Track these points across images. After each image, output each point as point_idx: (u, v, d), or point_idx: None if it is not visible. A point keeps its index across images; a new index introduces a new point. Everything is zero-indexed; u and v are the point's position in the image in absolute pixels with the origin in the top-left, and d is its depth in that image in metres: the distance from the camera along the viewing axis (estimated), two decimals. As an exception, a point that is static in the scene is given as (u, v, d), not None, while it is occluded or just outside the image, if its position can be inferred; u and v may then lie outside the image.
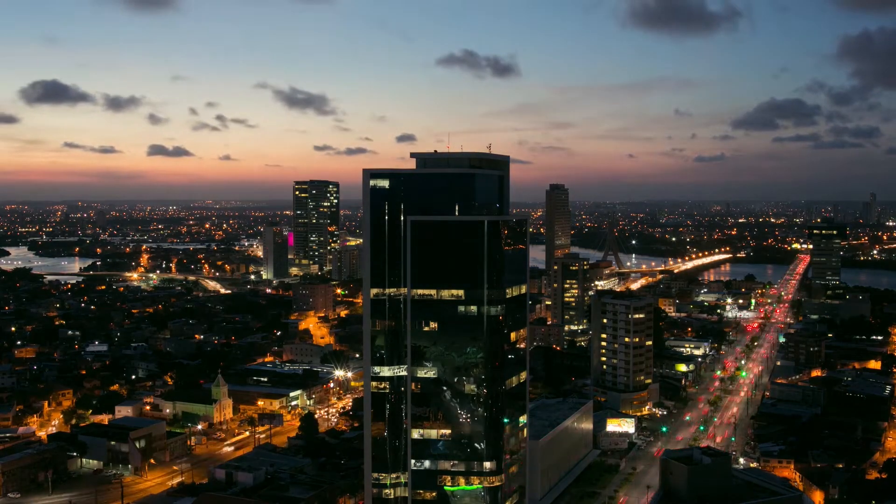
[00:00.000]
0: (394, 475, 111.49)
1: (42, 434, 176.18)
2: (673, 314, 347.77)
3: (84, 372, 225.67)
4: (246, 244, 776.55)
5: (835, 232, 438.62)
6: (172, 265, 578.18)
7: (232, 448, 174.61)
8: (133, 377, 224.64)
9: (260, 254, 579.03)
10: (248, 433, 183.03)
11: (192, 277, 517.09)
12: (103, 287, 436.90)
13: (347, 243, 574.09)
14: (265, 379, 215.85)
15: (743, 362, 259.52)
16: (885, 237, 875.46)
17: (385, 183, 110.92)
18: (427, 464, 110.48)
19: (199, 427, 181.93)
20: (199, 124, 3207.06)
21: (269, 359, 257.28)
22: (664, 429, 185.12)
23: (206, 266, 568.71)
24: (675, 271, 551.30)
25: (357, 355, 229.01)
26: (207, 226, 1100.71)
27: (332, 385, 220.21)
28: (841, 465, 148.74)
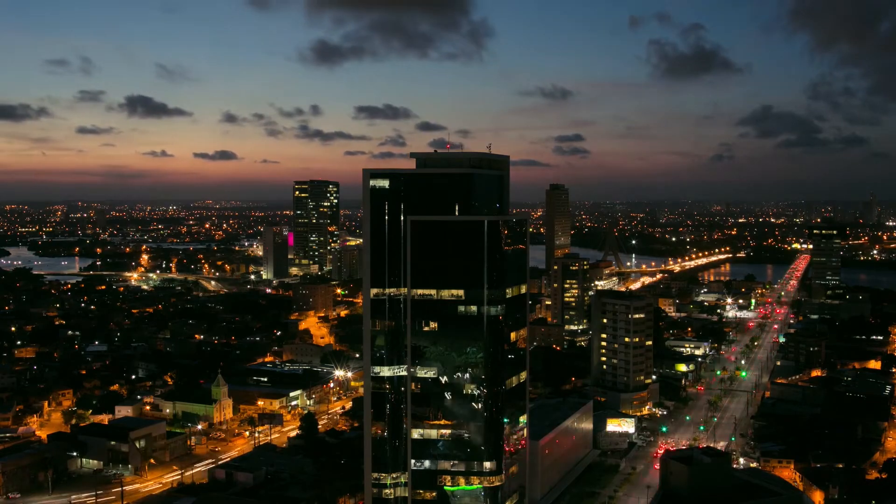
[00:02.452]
0: (394, 475, 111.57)
1: (42, 434, 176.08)
2: (673, 314, 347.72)
3: (84, 372, 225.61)
4: (246, 244, 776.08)
5: (835, 232, 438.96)
6: (172, 265, 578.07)
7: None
8: (133, 377, 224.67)
9: (260, 254, 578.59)
10: (247, 433, 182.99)
11: (192, 277, 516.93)
12: (103, 287, 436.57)
13: (347, 243, 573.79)
14: (265, 379, 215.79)
15: (743, 362, 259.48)
16: (885, 237, 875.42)
17: (385, 183, 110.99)
18: (427, 464, 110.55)
19: (199, 427, 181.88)
20: (272, 131, 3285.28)
21: (269, 359, 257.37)
22: (664, 429, 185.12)
23: (206, 266, 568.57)
24: (675, 271, 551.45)
25: (357, 355, 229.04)
26: (207, 226, 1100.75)
27: (332, 385, 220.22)
28: (841, 465, 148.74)
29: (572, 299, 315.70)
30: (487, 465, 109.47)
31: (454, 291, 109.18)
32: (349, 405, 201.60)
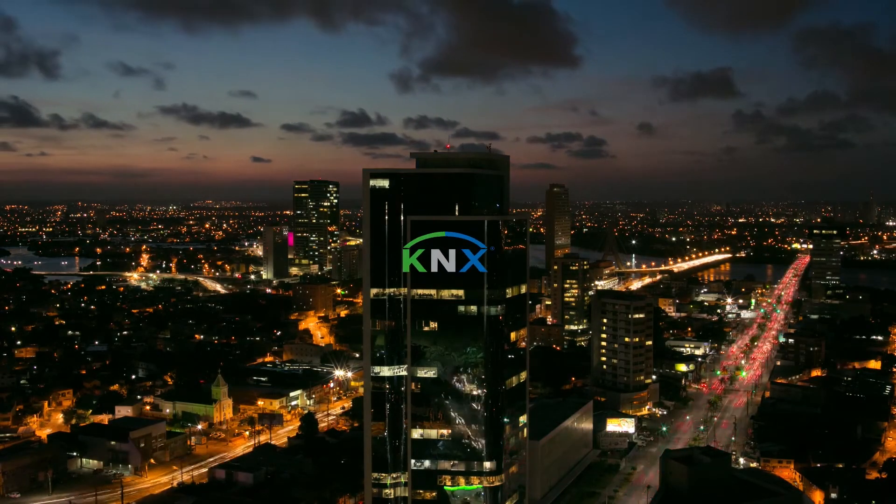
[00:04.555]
0: (394, 475, 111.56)
1: (42, 434, 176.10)
2: (673, 314, 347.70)
3: (84, 372, 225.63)
4: (246, 244, 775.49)
5: (835, 232, 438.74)
6: (172, 265, 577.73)
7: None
8: (133, 377, 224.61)
9: (260, 254, 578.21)
10: (247, 433, 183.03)
11: (192, 277, 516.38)
12: (103, 287, 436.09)
13: (347, 243, 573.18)
14: (265, 379, 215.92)
15: (743, 362, 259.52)
16: (885, 237, 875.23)
17: (385, 183, 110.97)
18: (427, 464, 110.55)
19: (199, 427, 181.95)
20: (318, 136, 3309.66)
21: (269, 359, 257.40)
22: (664, 428, 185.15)
23: (206, 266, 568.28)
24: (675, 271, 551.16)
25: (357, 355, 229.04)
26: (207, 226, 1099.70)
27: (332, 385, 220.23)
28: (841, 465, 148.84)
29: (572, 299, 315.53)
30: (487, 465, 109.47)
31: (454, 291, 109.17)
32: (349, 405, 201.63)
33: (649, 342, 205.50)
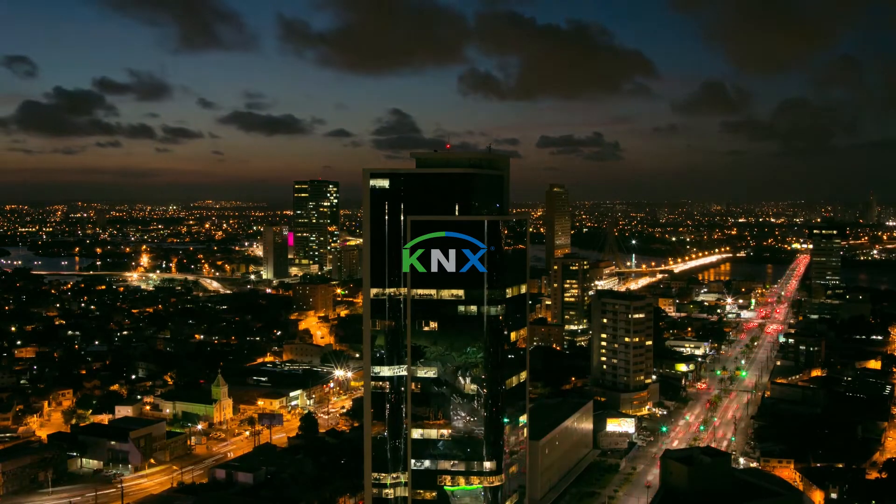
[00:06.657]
0: (394, 475, 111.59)
1: (42, 434, 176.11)
2: (673, 314, 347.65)
3: (84, 372, 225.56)
4: (246, 244, 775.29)
5: (835, 232, 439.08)
6: (172, 265, 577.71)
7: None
8: (133, 377, 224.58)
9: (260, 254, 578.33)
10: (247, 433, 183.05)
11: (192, 277, 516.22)
12: (103, 287, 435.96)
13: (347, 243, 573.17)
14: (265, 379, 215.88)
15: (743, 362, 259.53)
16: (885, 237, 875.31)
17: (385, 183, 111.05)
18: (427, 464, 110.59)
19: (199, 427, 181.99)
20: (350, 143, 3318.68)
21: (269, 359, 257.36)
22: (664, 429, 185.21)
23: (206, 266, 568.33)
24: (675, 271, 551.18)
25: (357, 355, 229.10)
26: (207, 225, 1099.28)
27: (332, 385, 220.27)
28: (841, 465, 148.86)
29: (572, 299, 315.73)
30: (487, 465, 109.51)
31: (454, 291, 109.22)
32: (349, 405, 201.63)
33: (649, 342, 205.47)
